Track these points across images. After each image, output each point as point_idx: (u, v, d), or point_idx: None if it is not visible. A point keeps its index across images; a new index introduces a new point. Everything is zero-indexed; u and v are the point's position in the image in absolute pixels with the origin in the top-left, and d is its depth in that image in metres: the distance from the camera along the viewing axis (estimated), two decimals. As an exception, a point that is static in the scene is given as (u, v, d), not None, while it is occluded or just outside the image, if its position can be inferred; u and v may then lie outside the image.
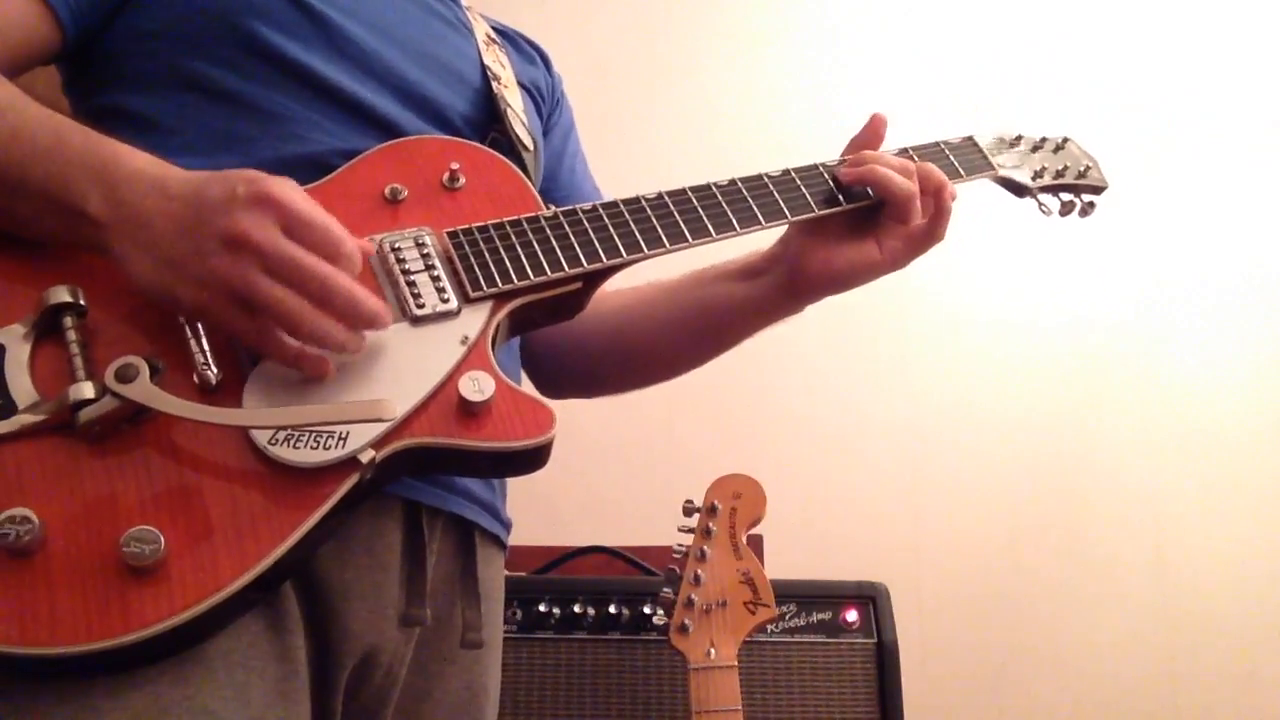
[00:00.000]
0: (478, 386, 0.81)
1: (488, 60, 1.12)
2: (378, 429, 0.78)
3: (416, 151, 0.96)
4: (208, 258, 0.75)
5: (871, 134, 1.11)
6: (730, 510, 1.30)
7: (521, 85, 1.17)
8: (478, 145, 0.99)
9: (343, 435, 0.77)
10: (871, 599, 1.56)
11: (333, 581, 0.88)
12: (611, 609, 1.53)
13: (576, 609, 1.53)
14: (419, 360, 0.83)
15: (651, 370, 1.24)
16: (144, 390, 0.75)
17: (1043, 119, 2.70)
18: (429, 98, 1.04)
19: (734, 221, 1.00)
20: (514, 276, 0.89)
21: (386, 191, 0.92)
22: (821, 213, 1.04)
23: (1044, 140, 1.21)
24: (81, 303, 0.79)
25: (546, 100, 1.25)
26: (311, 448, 0.77)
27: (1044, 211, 1.18)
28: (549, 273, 0.90)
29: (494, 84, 1.10)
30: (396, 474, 0.83)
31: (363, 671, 0.91)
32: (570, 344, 1.20)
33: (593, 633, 1.53)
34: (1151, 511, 2.45)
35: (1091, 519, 2.45)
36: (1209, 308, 2.56)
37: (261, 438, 0.77)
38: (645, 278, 1.17)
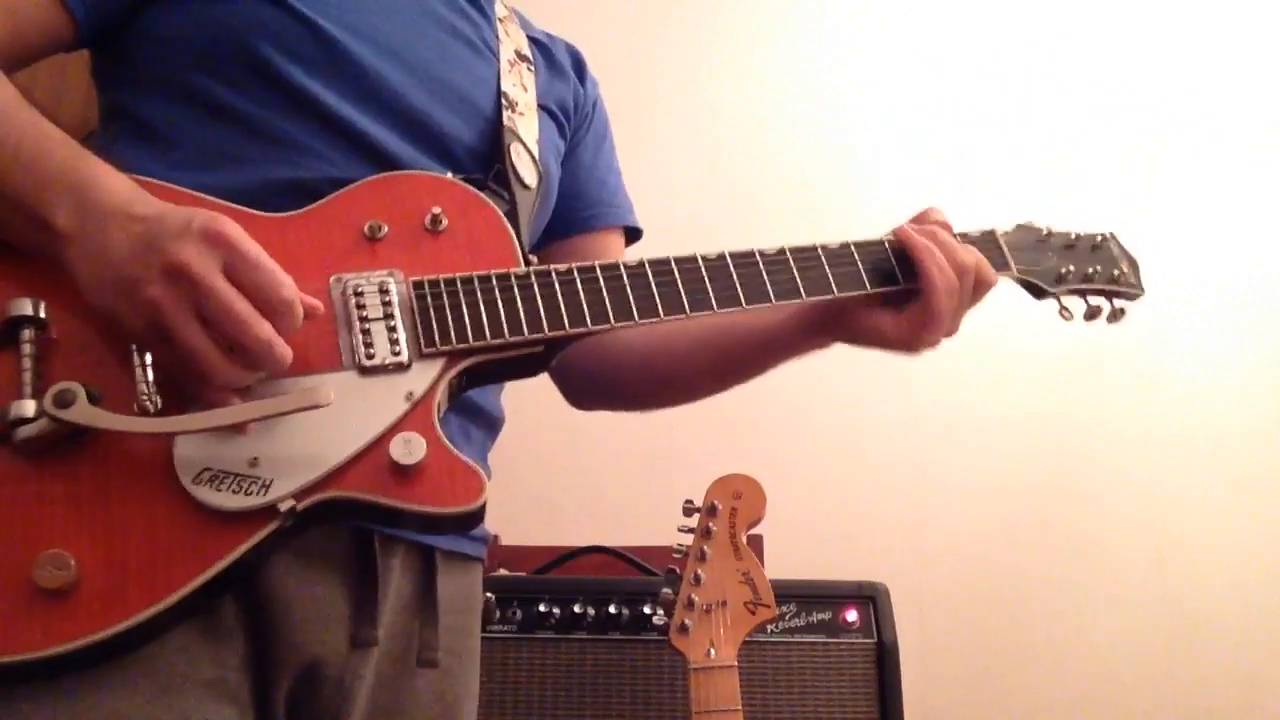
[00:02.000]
0: (409, 449, 0.80)
1: (506, 85, 1.10)
2: (303, 479, 0.79)
3: (404, 187, 0.94)
4: (147, 285, 0.76)
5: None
6: (730, 510, 1.30)
7: (543, 108, 1.15)
8: (468, 188, 0.96)
9: (266, 483, 0.78)
10: (871, 599, 1.56)
11: (275, 591, 0.87)
12: (611, 609, 1.53)
13: (576, 609, 1.53)
14: (360, 412, 0.82)
15: (677, 392, 1.24)
16: (81, 412, 0.75)
17: (1043, 119, 2.71)
18: (433, 127, 1.02)
19: (712, 300, 0.96)
20: (470, 335, 0.87)
21: (367, 228, 0.91)
22: (808, 299, 1.00)
23: (1078, 238, 1.13)
24: (42, 315, 0.80)
25: (574, 115, 1.22)
26: (233, 491, 0.77)
27: (1064, 316, 1.10)
28: (507, 335, 0.88)
29: (506, 113, 1.07)
30: (326, 520, 0.82)
31: (308, 684, 0.90)
32: (600, 360, 1.20)
33: (593, 633, 1.53)
34: (1152, 511, 2.45)
35: (1091, 519, 2.45)
36: (1209, 308, 2.56)
37: (186, 476, 0.77)
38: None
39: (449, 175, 0.98)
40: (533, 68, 1.17)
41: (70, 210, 0.79)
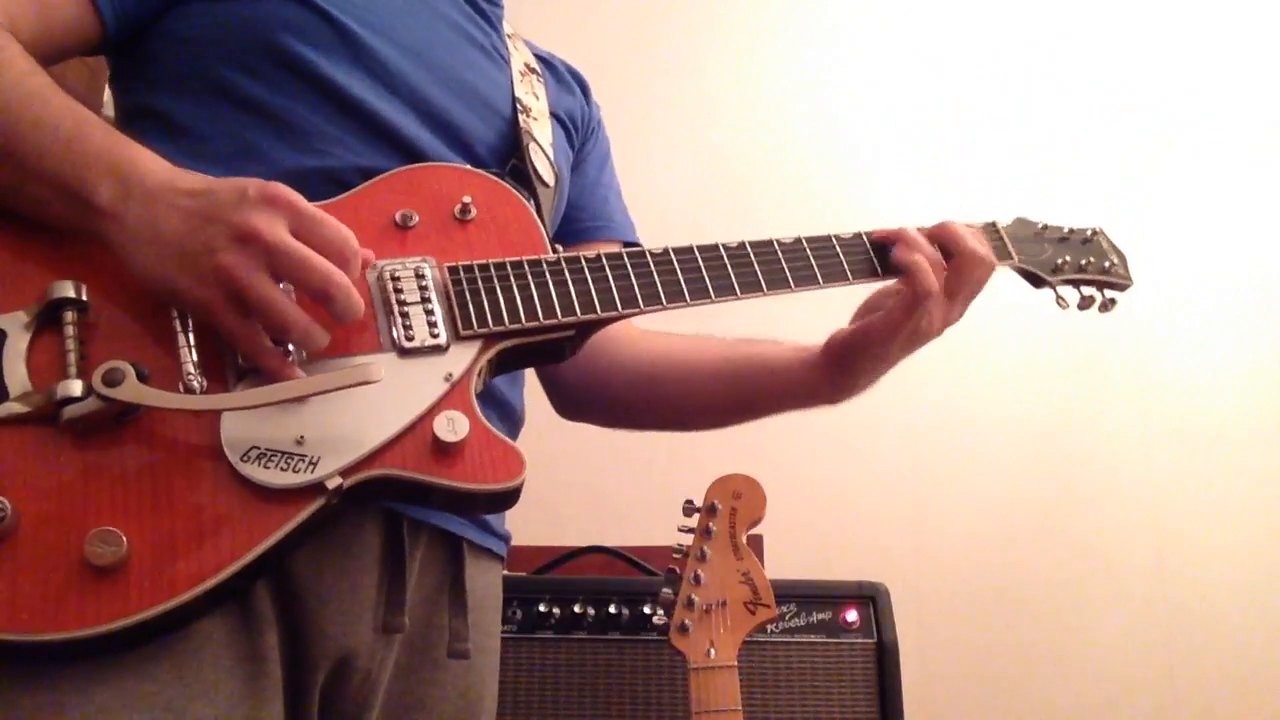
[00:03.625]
0: (452, 426, 0.82)
1: (519, 91, 1.12)
2: (348, 457, 0.80)
3: (433, 178, 0.96)
4: (217, 253, 0.77)
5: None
6: (730, 510, 1.30)
7: (555, 116, 1.17)
8: (494, 179, 0.99)
9: (313, 460, 0.79)
10: (871, 599, 1.56)
11: (308, 583, 0.88)
12: (611, 609, 1.53)
13: (576, 609, 1.53)
14: (401, 392, 0.84)
15: (676, 421, 1.27)
16: (131, 390, 0.76)
17: (1043, 119, 2.71)
18: (454, 123, 1.04)
19: (735, 286, 0.99)
20: (505, 319, 0.89)
21: (398, 216, 0.93)
22: (826, 286, 1.04)
23: (1071, 232, 1.19)
24: (84, 298, 0.81)
25: (581, 130, 1.25)
26: (281, 469, 0.78)
27: (1061, 305, 1.16)
28: (541, 318, 0.90)
29: (521, 116, 1.10)
30: (369, 499, 0.84)
31: (339, 675, 0.91)
32: (599, 378, 1.21)
33: (593, 633, 1.53)
34: (1151, 511, 2.45)
35: (1091, 519, 2.45)
36: (1209, 307, 2.56)
37: (234, 454, 0.78)
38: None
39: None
40: (542, 79, 1.20)
41: (112, 189, 0.80)
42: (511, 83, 1.13)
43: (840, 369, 1.11)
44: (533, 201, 1.03)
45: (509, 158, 1.07)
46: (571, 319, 0.92)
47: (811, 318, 1.14)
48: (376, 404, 0.82)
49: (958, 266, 1.04)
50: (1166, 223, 2.58)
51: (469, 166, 1.00)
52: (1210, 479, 2.46)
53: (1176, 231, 2.58)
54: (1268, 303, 2.56)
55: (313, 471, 0.79)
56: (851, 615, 1.54)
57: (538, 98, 1.16)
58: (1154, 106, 2.66)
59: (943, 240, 1.05)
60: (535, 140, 1.10)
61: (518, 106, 1.11)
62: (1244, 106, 2.66)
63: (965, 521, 2.45)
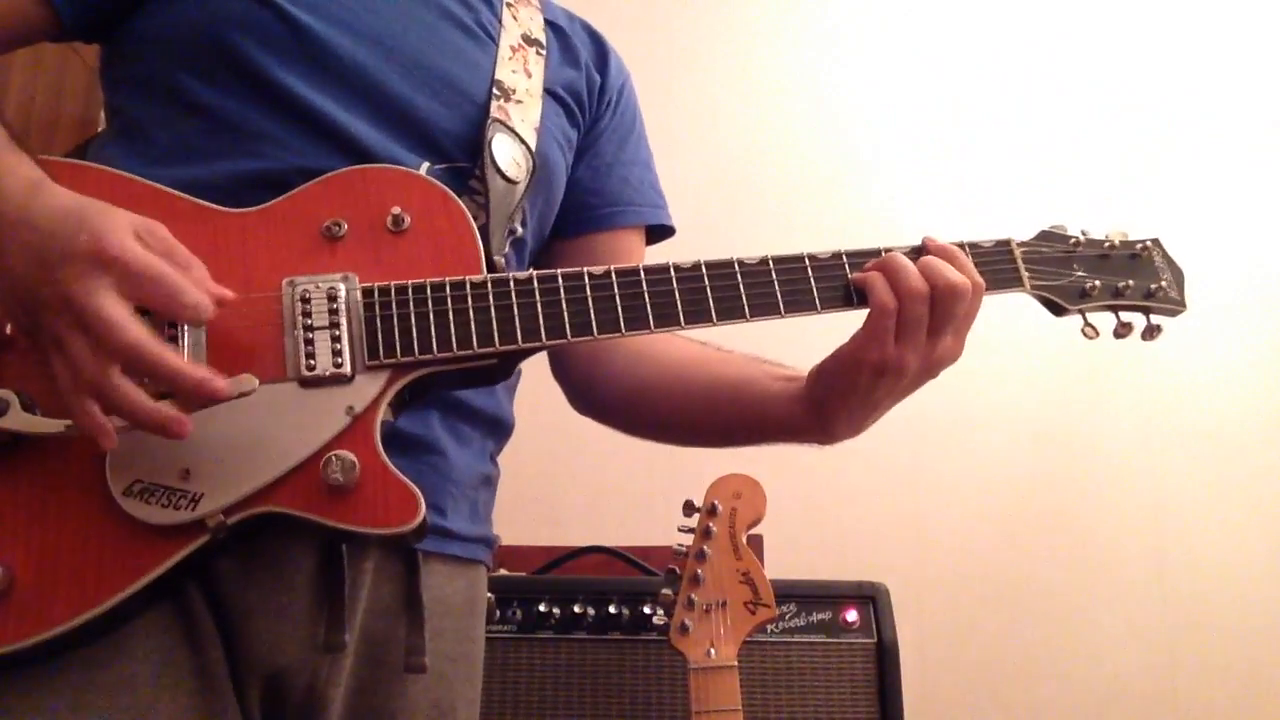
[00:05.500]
0: (341, 468, 0.78)
1: (503, 72, 1.06)
2: (234, 493, 0.78)
3: (371, 183, 0.91)
4: (44, 311, 0.74)
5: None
6: (730, 510, 1.30)
7: (550, 93, 1.11)
8: (435, 184, 0.92)
9: (195, 497, 0.77)
10: (871, 599, 1.56)
11: (234, 600, 0.86)
12: (611, 609, 1.53)
13: (576, 609, 1.53)
14: (298, 425, 0.80)
15: (664, 437, 1.23)
16: (15, 419, 0.75)
17: (1043, 119, 2.71)
18: (414, 116, 0.99)
19: (680, 314, 0.90)
20: (415, 349, 0.84)
21: (326, 227, 0.88)
22: (788, 315, 0.93)
23: (1113, 246, 1.05)
24: None
25: (590, 104, 1.18)
26: (162, 505, 0.77)
27: (1087, 335, 1.03)
28: (454, 349, 0.85)
29: (496, 102, 1.03)
30: (269, 531, 0.81)
31: (276, 692, 0.89)
32: (598, 381, 1.18)
33: (593, 633, 1.53)
34: (1152, 511, 2.45)
35: (1091, 519, 2.45)
36: (1209, 307, 2.55)
37: (117, 488, 0.77)
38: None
39: (424, 167, 0.94)
40: (543, 52, 1.13)
41: None
42: (494, 62, 1.07)
43: (815, 404, 1.03)
44: (484, 204, 0.97)
45: (480, 146, 1.00)
46: (488, 349, 0.85)
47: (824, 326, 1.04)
48: (272, 436, 0.79)
49: (937, 300, 0.92)
50: (1166, 223, 2.55)
51: (419, 165, 0.94)
52: (1210, 479, 2.46)
53: (1176, 231, 2.55)
54: (1268, 303, 2.56)
55: (193, 509, 0.77)
56: (851, 615, 1.54)
57: (530, 75, 1.09)
58: (1154, 106, 2.66)
59: (925, 273, 0.93)
60: (508, 128, 1.02)
61: (495, 90, 1.04)
62: (1244, 106, 2.66)
63: (965, 521, 2.45)
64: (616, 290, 0.89)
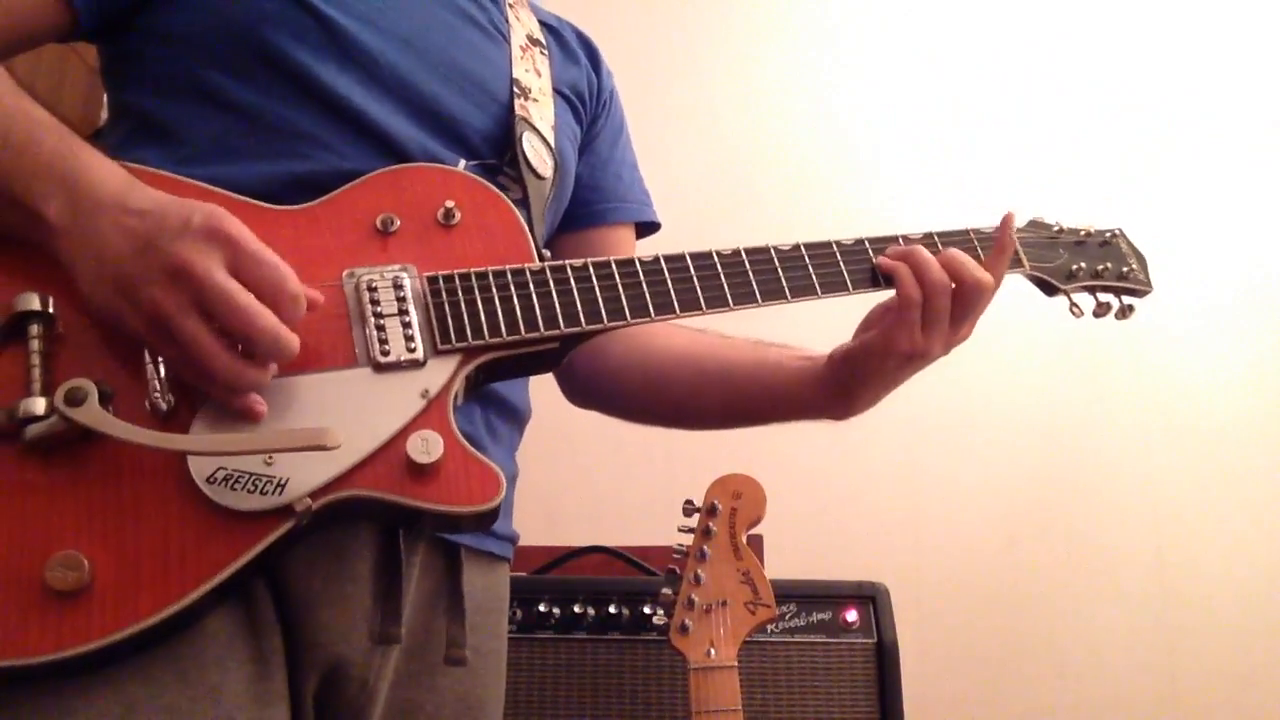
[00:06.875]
0: (426, 447, 0.79)
1: (518, 71, 1.08)
2: (319, 477, 0.78)
3: (416, 181, 0.93)
4: (147, 285, 0.75)
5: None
6: (730, 510, 1.30)
7: (558, 92, 1.13)
8: (479, 181, 0.95)
9: (281, 482, 0.77)
10: (871, 599, 1.56)
11: (300, 589, 0.87)
12: (611, 609, 1.53)
13: (576, 609, 1.53)
14: (375, 410, 0.81)
15: (678, 421, 1.24)
16: (90, 414, 0.74)
17: (1043, 119, 2.71)
18: (445, 114, 1.00)
19: (728, 297, 0.95)
20: (485, 332, 0.86)
21: (379, 221, 0.89)
22: (824, 297, 1.00)
23: (1087, 235, 1.15)
24: (50, 311, 0.78)
25: (590, 103, 1.21)
26: (249, 491, 0.76)
27: (1074, 313, 1.11)
28: (522, 332, 0.87)
29: (518, 100, 1.05)
30: (342, 518, 0.82)
31: (333, 683, 0.90)
32: (610, 370, 1.19)
33: (593, 633, 1.53)
34: (1151, 511, 2.45)
35: (1091, 519, 2.45)
36: (1209, 307, 2.56)
37: (200, 476, 0.76)
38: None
39: (461, 165, 0.97)
40: (546, 52, 1.15)
41: (61, 203, 0.77)
42: (510, 62, 1.08)
43: (839, 385, 1.08)
44: (524, 199, 1.00)
45: (507, 146, 1.03)
46: (554, 332, 0.88)
47: (826, 316, 1.10)
48: (351, 421, 0.79)
49: (961, 294, 1.00)
50: (1166, 223, 2.58)
51: (455, 163, 0.97)
52: (1210, 479, 2.46)
53: (1177, 231, 2.58)
54: (1268, 303, 2.56)
55: (280, 494, 0.76)
56: (851, 615, 1.54)
57: (540, 74, 1.11)
58: (1154, 106, 2.66)
59: (948, 268, 1.00)
60: (532, 126, 1.05)
61: (515, 89, 1.06)
62: (1244, 106, 2.66)
63: (965, 521, 2.45)
64: (667, 275, 0.94)
